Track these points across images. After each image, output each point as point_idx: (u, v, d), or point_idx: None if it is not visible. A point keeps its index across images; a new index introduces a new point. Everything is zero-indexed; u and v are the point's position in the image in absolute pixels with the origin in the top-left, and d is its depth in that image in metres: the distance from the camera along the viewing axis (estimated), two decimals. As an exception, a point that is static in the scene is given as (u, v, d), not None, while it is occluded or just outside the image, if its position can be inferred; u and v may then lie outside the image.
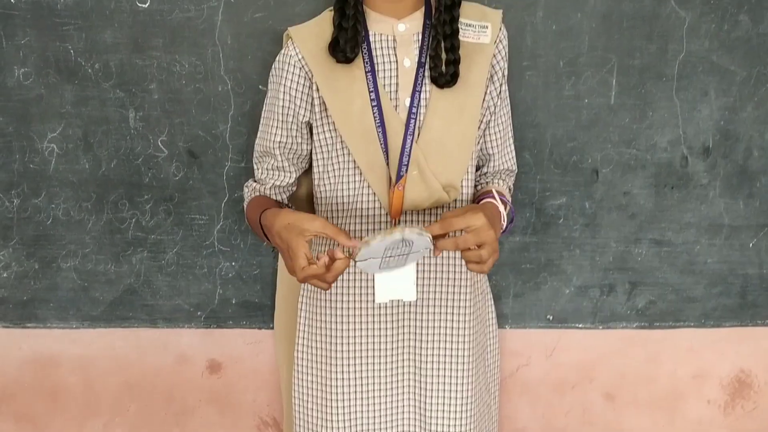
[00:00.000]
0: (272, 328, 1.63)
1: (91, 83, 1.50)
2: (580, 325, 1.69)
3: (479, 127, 1.32)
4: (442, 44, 1.23)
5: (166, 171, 1.55)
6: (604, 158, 1.57)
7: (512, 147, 1.41)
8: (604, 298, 1.67)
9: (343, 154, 1.27)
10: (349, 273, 1.31)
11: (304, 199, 1.45)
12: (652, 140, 1.56)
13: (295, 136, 1.29)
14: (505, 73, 1.31)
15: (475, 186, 1.38)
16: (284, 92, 1.25)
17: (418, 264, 1.30)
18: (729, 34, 1.51)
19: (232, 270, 1.61)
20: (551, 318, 1.68)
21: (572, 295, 1.66)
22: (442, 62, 1.23)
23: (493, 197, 1.26)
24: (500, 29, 1.28)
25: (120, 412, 1.75)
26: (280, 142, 1.29)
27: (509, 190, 1.41)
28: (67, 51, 1.48)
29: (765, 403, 1.78)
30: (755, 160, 1.59)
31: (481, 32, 1.27)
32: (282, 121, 1.28)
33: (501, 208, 1.24)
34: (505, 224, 1.25)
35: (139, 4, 1.46)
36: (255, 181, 1.36)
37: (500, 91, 1.32)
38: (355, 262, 1.09)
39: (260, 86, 1.50)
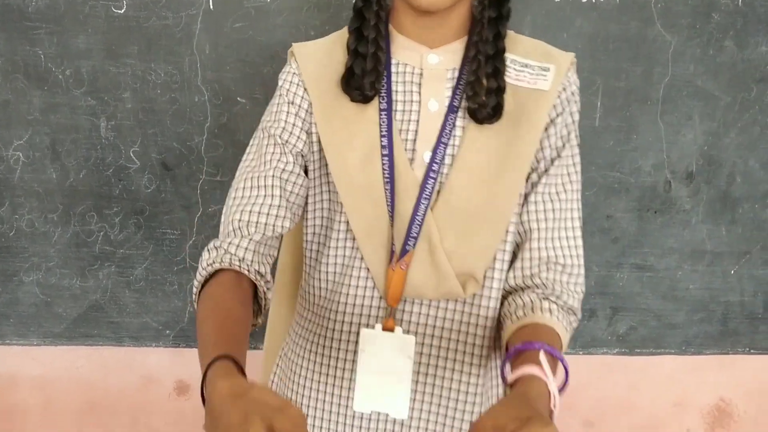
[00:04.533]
0: (253, 348, 1.57)
1: (61, 90, 1.44)
2: (561, 351, 1.65)
3: (521, 195, 0.98)
4: (483, 70, 0.94)
5: (137, 183, 1.49)
6: (587, 180, 1.55)
7: (577, 239, 1.00)
8: (585, 323, 1.64)
9: (336, 212, 0.99)
10: (325, 357, 1.02)
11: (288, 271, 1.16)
12: (637, 164, 1.55)
13: (293, 165, 0.98)
14: (573, 131, 1.00)
15: (504, 299, 1.00)
16: (284, 103, 0.99)
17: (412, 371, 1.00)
18: (714, 59, 1.50)
19: (204, 287, 1.56)
20: (531, 343, 1.64)
21: (553, 319, 1.63)
22: (482, 88, 0.94)
23: (535, 360, 0.81)
24: (567, 75, 0.99)
25: (81, 435, 1.67)
26: (276, 167, 0.97)
27: (567, 329, 0.94)
28: (37, 56, 1.43)
29: (744, 432, 1.76)
30: (738, 186, 1.58)
31: (539, 76, 0.97)
32: (279, 138, 0.98)
33: (550, 382, 0.79)
34: (556, 402, 0.80)
35: (115, 10, 1.41)
36: (221, 241, 0.94)
37: (559, 151, 0.99)
38: None
39: (238, 98, 1.45)
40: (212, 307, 0.86)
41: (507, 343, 0.94)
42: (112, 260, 1.53)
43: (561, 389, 0.83)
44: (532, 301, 0.95)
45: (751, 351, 1.67)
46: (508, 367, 0.86)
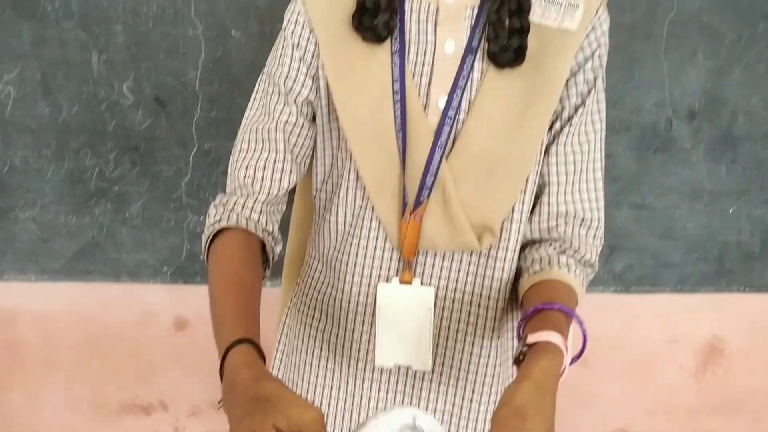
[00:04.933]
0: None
1: (50, 22, 1.41)
2: (557, 289, 1.67)
3: (543, 143, 0.94)
4: (506, 8, 0.89)
5: (131, 119, 1.47)
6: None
7: (598, 191, 0.97)
8: (581, 262, 1.64)
9: (345, 160, 0.95)
10: (341, 310, 1.00)
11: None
12: (638, 101, 1.52)
13: (297, 116, 0.94)
14: (599, 75, 0.94)
15: (521, 252, 0.98)
16: (288, 46, 0.93)
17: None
18: (721, -7, 1.46)
19: (201, 225, 1.55)
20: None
21: (550, 258, 1.64)
22: (504, 29, 0.88)
23: (557, 326, 0.81)
24: (597, 14, 0.91)
25: (82, 369, 1.69)
26: (279, 119, 0.94)
27: (582, 283, 0.95)
28: (25, -14, 1.39)
29: (735, 369, 1.79)
30: (740, 126, 1.56)
31: (566, 14, 0.90)
32: (282, 86, 0.94)
33: (566, 355, 0.80)
34: (565, 371, 0.81)
35: (104, -62, 1.37)
36: (228, 197, 0.94)
37: (583, 97, 0.94)
38: None
39: (233, 31, 1.42)
40: (224, 275, 0.86)
41: (523, 299, 0.93)
42: (107, 197, 1.52)
43: (579, 355, 0.84)
44: (549, 255, 0.94)
45: (746, 289, 1.68)
46: (524, 326, 0.85)
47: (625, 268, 1.65)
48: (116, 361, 1.69)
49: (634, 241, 1.63)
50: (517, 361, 0.81)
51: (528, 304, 0.89)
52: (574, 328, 0.86)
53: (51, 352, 1.68)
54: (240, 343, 0.76)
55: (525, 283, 0.94)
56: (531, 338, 0.80)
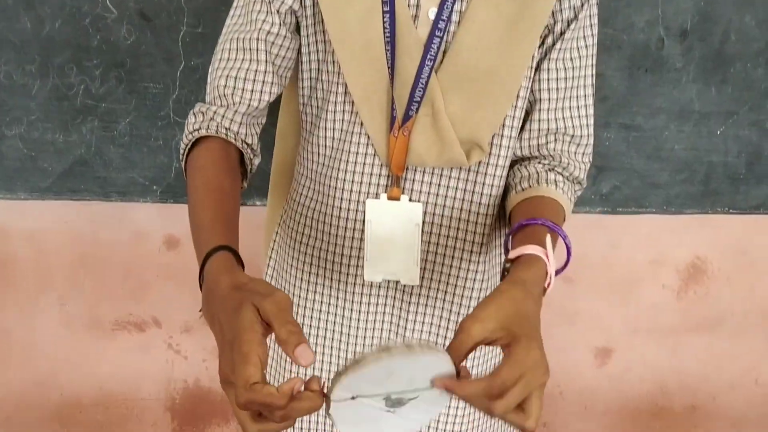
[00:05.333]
0: (247, 204, 1.58)
1: (29, -68, 1.37)
2: (544, 209, 1.68)
3: (534, 58, 0.93)
4: None
5: (116, 34, 1.44)
6: (579, 37, 1.51)
7: (588, 107, 0.98)
8: (569, 183, 1.65)
9: (332, 73, 0.93)
10: (330, 226, 1.00)
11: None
12: (630, 19, 1.50)
13: (279, 26, 0.92)
14: None
15: (512, 166, 0.98)
16: None
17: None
18: None
19: (189, 143, 1.55)
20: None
21: (538, 178, 1.65)
22: None
23: (539, 240, 0.81)
24: None
25: (75, 287, 1.71)
26: (261, 28, 0.91)
27: (571, 199, 0.96)
28: None
29: (716, 288, 1.83)
30: (732, 45, 1.54)
31: None
32: None
33: (550, 265, 0.81)
34: (551, 280, 0.82)
35: None
36: (208, 106, 0.93)
37: (576, 11, 0.92)
38: (329, 401, 0.66)
39: (218, -58, 1.38)
40: (203, 183, 0.86)
41: (510, 215, 0.94)
42: (94, 114, 1.50)
43: (563, 268, 0.86)
44: (538, 172, 0.95)
45: (730, 211, 1.70)
46: (510, 241, 0.87)
47: (612, 188, 1.66)
48: (109, 279, 1.71)
49: (621, 161, 1.63)
50: (503, 276, 0.83)
51: (515, 221, 0.90)
52: (558, 243, 0.87)
53: (44, 271, 1.69)
54: (218, 251, 0.76)
55: (513, 199, 0.95)
56: (512, 253, 0.82)
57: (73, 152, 1.53)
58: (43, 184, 1.56)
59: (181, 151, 0.94)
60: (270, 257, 1.13)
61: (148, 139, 1.53)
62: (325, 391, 0.66)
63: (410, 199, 0.97)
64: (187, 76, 1.49)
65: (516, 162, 0.99)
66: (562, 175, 0.96)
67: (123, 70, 1.47)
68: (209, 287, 0.73)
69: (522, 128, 0.98)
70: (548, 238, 0.82)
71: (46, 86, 1.48)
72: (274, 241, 1.12)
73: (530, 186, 0.94)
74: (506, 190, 0.99)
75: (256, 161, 0.97)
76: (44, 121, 1.50)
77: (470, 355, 0.93)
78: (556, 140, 0.96)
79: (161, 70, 1.48)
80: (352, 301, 1.03)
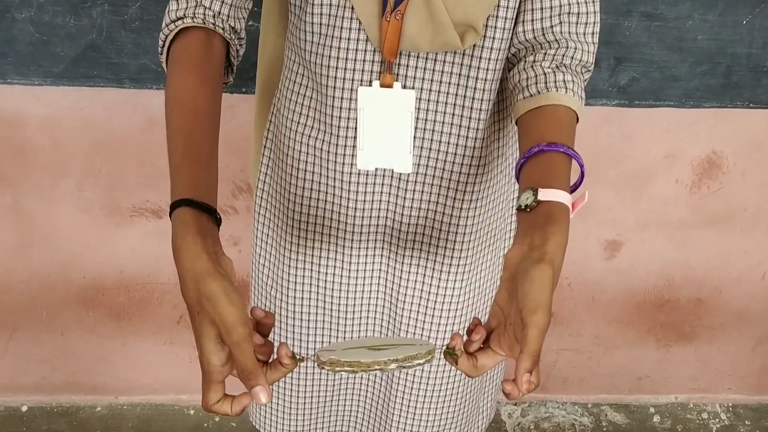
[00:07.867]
0: (244, 92, 1.58)
1: None
2: (560, 101, 1.66)
3: None
4: None
5: None
6: None
7: None
8: (586, 74, 1.62)
9: None
10: (324, 114, 0.99)
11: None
12: None
13: None
14: None
15: (514, 65, 0.95)
16: None
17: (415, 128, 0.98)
18: None
19: (201, 29, 1.52)
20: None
21: (555, 69, 1.61)
22: None
23: (563, 179, 0.80)
24: None
25: (92, 174, 1.74)
26: None
27: (582, 97, 0.92)
28: None
29: (730, 183, 1.82)
30: (765, -72, 1.47)
31: None
32: None
33: (571, 214, 0.79)
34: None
35: None
36: None
37: None
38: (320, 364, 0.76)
39: None
40: (180, 97, 0.85)
41: (520, 125, 0.91)
42: (104, -3, 1.48)
43: (576, 186, 0.85)
44: (545, 73, 0.91)
45: (750, 105, 1.67)
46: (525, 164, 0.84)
47: (631, 80, 1.63)
48: (124, 166, 1.73)
49: (641, 52, 1.59)
50: (521, 209, 0.80)
51: (527, 135, 0.88)
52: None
53: (60, 157, 1.71)
54: (182, 205, 0.77)
55: (521, 106, 0.91)
56: (542, 194, 0.79)
57: (85, 37, 1.52)
58: (55, 69, 1.55)
59: (160, 45, 0.90)
60: (265, 146, 1.12)
61: (160, 23, 1.50)
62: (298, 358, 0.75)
63: (404, 86, 0.95)
64: (197, -42, 1.44)
65: (521, 60, 0.96)
66: (571, 70, 0.92)
67: (131, -50, 1.44)
68: (174, 248, 0.76)
69: (524, 11, 0.94)
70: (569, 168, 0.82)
71: (53, -33, 1.45)
72: (268, 129, 1.11)
73: (539, 92, 0.90)
74: (512, 91, 0.96)
75: (242, 50, 0.95)
76: (54, 4, 1.48)
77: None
78: (561, 22, 0.93)
79: (170, -50, 1.44)
80: (348, 191, 1.02)
